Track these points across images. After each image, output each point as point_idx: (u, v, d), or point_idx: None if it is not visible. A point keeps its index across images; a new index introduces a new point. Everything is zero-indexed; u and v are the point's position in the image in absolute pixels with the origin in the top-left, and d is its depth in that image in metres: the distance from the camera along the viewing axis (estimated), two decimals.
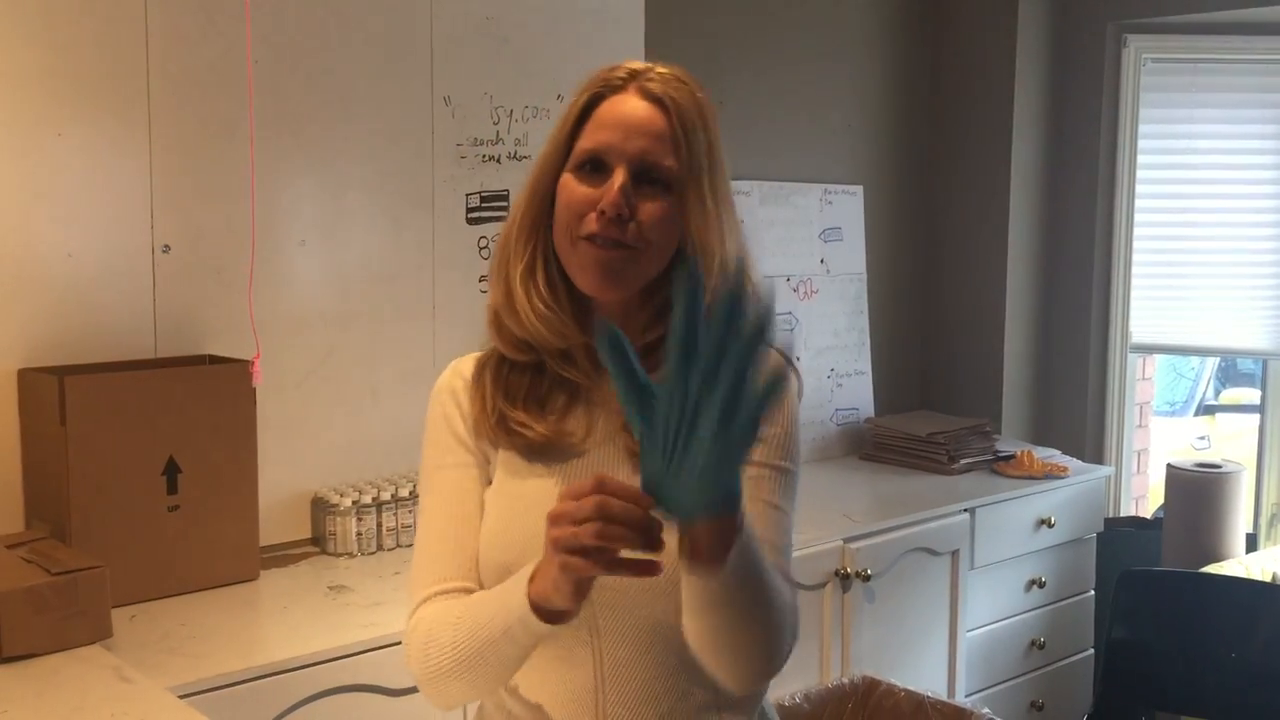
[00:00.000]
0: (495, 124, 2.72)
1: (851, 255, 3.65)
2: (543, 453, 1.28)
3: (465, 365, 1.38)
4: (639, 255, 1.24)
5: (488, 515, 1.30)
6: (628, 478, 1.16)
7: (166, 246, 2.27)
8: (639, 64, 1.29)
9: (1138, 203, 3.84)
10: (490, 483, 1.32)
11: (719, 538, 1.04)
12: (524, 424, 1.29)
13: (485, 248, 2.72)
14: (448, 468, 1.34)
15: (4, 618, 1.78)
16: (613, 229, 1.22)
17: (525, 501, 1.27)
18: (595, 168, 1.25)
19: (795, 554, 1.31)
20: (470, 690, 1.26)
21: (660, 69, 1.28)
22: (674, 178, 1.24)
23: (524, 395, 1.30)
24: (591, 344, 1.26)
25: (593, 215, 1.23)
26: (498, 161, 2.73)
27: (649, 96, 1.25)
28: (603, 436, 1.28)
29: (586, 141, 1.26)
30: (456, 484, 1.32)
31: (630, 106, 1.25)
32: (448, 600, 1.27)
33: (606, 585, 1.18)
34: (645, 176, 1.24)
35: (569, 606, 1.10)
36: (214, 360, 2.29)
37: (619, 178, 1.23)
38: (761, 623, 1.14)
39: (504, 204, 2.74)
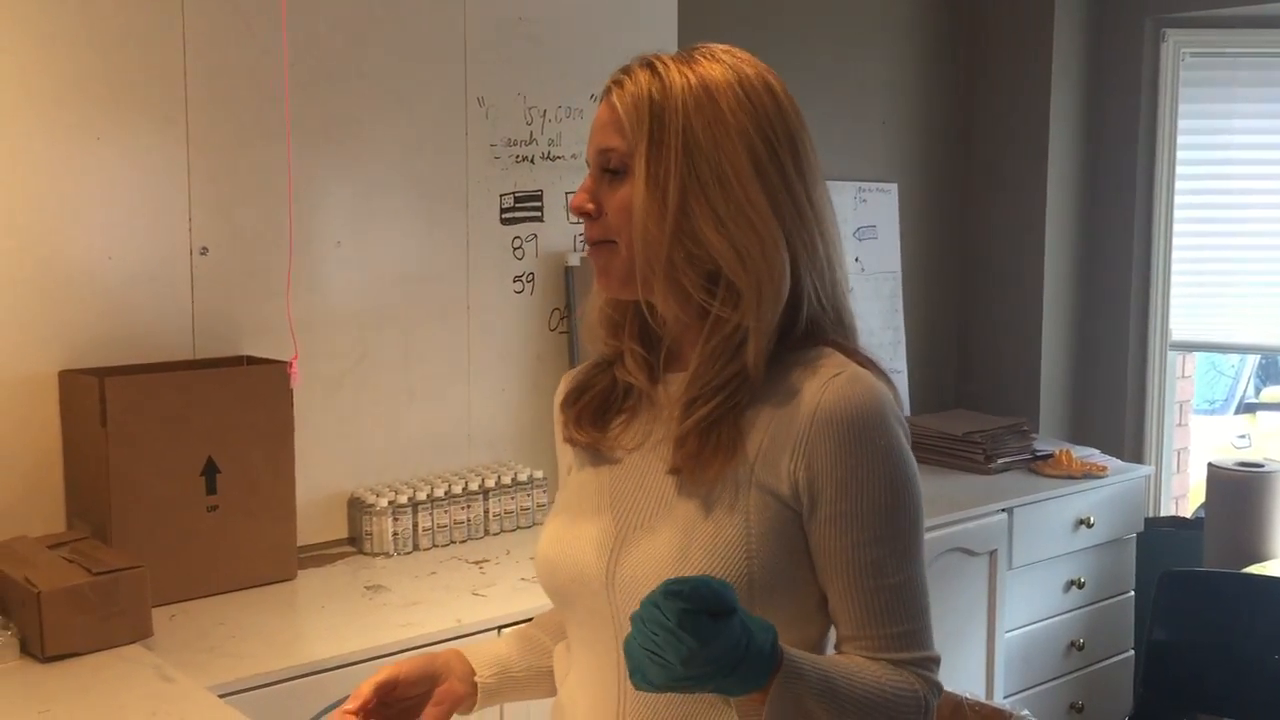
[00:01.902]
0: (528, 124, 2.72)
1: (886, 253, 3.63)
2: (591, 460, 1.31)
3: (573, 372, 1.41)
4: (615, 248, 1.23)
5: (551, 514, 1.36)
6: (665, 498, 1.22)
7: (204, 249, 2.29)
8: (632, 60, 1.26)
9: (1177, 199, 3.79)
10: None
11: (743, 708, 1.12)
12: (568, 426, 1.33)
13: (519, 248, 2.73)
14: (562, 478, 1.41)
15: (46, 617, 1.79)
16: (588, 229, 1.25)
17: (573, 504, 1.31)
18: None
19: None
20: None
21: (640, 59, 1.25)
22: (624, 158, 1.21)
23: (589, 398, 1.33)
24: (636, 350, 1.28)
25: None
26: (531, 162, 2.73)
27: (611, 89, 1.25)
28: (651, 447, 1.26)
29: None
30: (558, 503, 1.39)
31: (599, 110, 1.26)
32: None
33: (626, 583, 1.21)
34: (605, 167, 1.23)
35: None
36: (251, 361, 2.30)
37: (588, 176, 1.25)
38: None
39: (537, 204, 2.75)
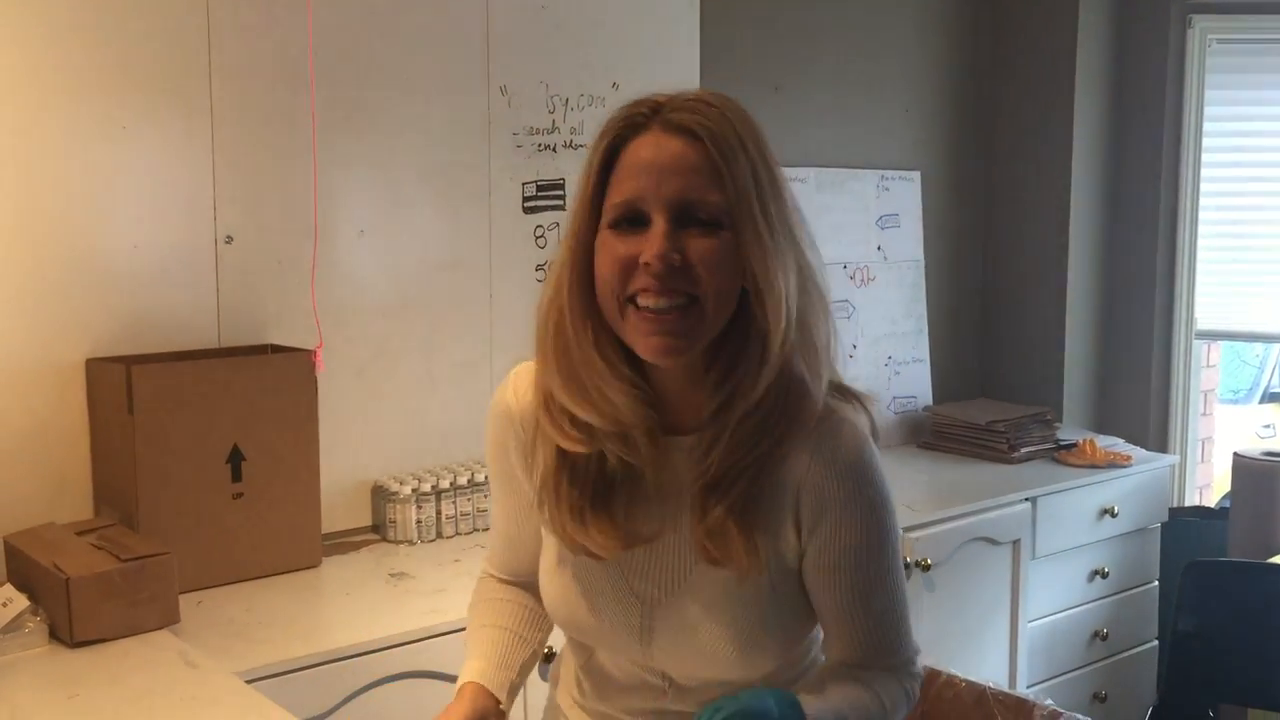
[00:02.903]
0: (551, 113, 2.72)
1: (909, 242, 3.62)
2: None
3: (523, 386, 1.30)
4: (700, 307, 1.12)
5: (547, 563, 1.31)
6: (693, 572, 1.22)
7: (229, 238, 2.30)
8: (661, 96, 1.17)
9: (1203, 186, 3.76)
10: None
11: None
12: (590, 539, 1.21)
13: (541, 236, 2.73)
14: (503, 499, 1.38)
15: (75, 603, 1.81)
16: (665, 282, 1.11)
17: (583, 574, 1.27)
18: (634, 221, 1.13)
19: None
20: None
21: (687, 95, 1.16)
22: (722, 212, 1.12)
23: (583, 503, 1.20)
24: (646, 425, 1.17)
25: (640, 272, 1.12)
26: (554, 150, 2.73)
27: (676, 129, 1.13)
28: (671, 526, 1.22)
29: (617, 194, 1.14)
30: (513, 512, 1.38)
31: (658, 145, 1.13)
32: (490, 585, 1.49)
33: (663, 655, 1.24)
34: (689, 218, 1.12)
35: None
36: (275, 350, 2.32)
37: (659, 225, 1.11)
38: None
39: (560, 193, 2.75)
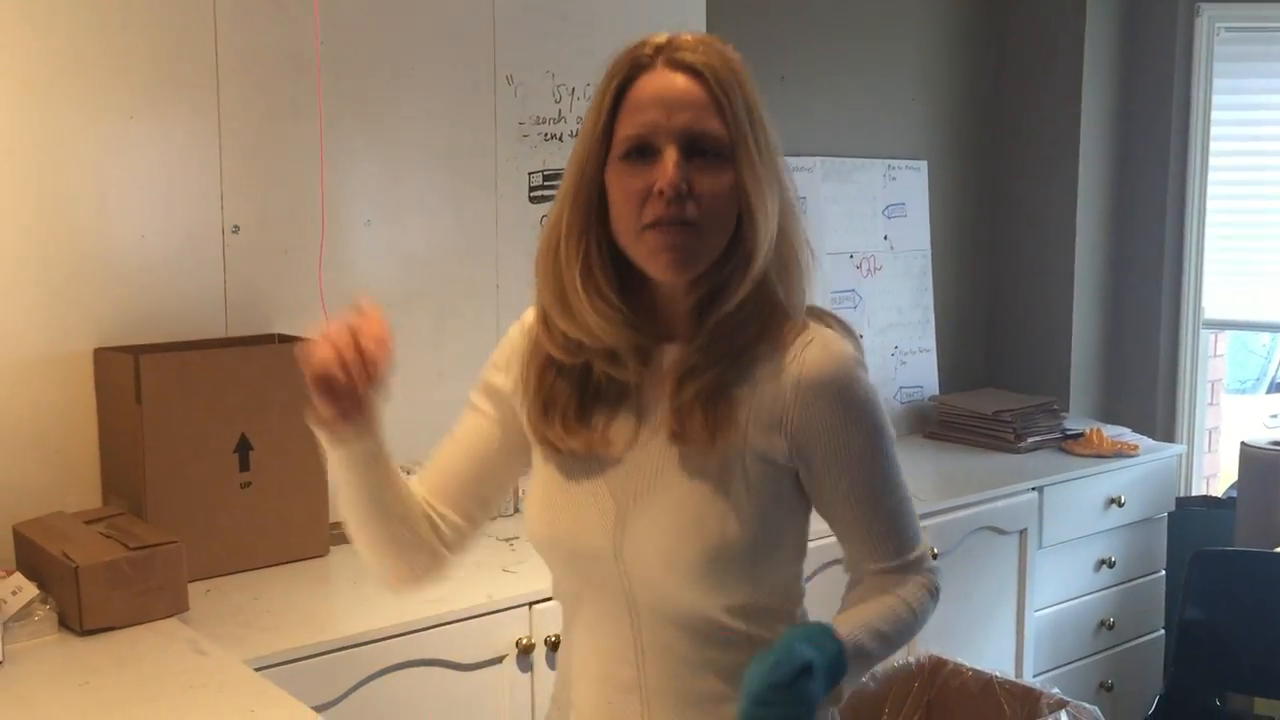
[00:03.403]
0: (557, 102, 2.71)
1: (915, 231, 3.61)
2: (583, 461, 1.29)
3: (530, 319, 1.37)
4: (704, 231, 1.22)
5: (533, 491, 1.35)
6: (667, 470, 1.26)
7: (236, 227, 2.30)
8: (662, 36, 1.25)
9: (1211, 175, 3.75)
10: (509, 430, 1.37)
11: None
12: (560, 439, 1.29)
13: None
14: (473, 407, 1.41)
15: (84, 591, 1.82)
16: (675, 209, 1.20)
17: (566, 490, 1.31)
18: (644, 152, 1.22)
19: None
20: (361, 547, 1.37)
21: (686, 36, 1.25)
22: (724, 144, 1.22)
23: (566, 405, 1.29)
24: (643, 344, 1.26)
25: (654, 200, 1.20)
26: (560, 140, 2.73)
27: (682, 67, 1.22)
28: (646, 437, 1.28)
29: (628, 127, 1.22)
30: (472, 425, 1.40)
31: (666, 81, 1.22)
32: None
33: (634, 554, 1.26)
34: (695, 149, 1.21)
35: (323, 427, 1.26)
36: (283, 339, 2.32)
37: (671, 155, 1.20)
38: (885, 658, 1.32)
39: None
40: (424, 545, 1.37)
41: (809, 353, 1.25)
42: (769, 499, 1.26)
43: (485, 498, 1.41)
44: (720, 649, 1.27)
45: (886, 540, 1.31)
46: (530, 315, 1.36)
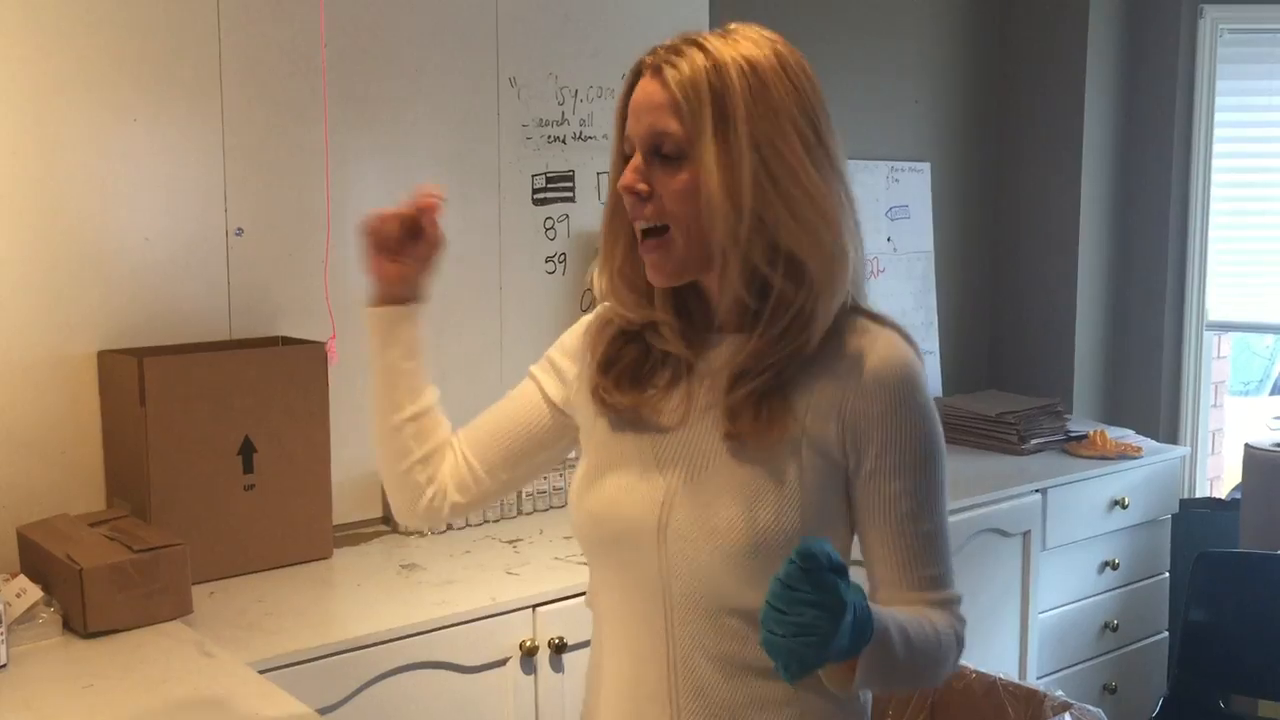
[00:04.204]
0: (560, 104, 2.72)
1: (919, 233, 3.61)
2: (631, 423, 1.31)
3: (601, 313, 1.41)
4: (668, 237, 1.23)
5: (583, 464, 1.36)
6: (717, 457, 1.26)
7: (240, 229, 2.31)
8: (665, 43, 1.26)
9: (1214, 177, 3.75)
10: (558, 411, 1.41)
11: (834, 679, 1.17)
12: (609, 391, 1.32)
13: (551, 228, 2.73)
14: (531, 377, 1.45)
15: (89, 594, 1.82)
16: (635, 211, 1.24)
17: (616, 463, 1.31)
18: (630, 158, 1.26)
19: None
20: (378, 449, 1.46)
21: (676, 39, 1.25)
22: (682, 144, 1.21)
23: (623, 366, 1.33)
24: (672, 322, 1.29)
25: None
26: (563, 142, 2.73)
27: (653, 70, 1.24)
28: (695, 419, 1.28)
29: (625, 134, 1.27)
30: (525, 391, 1.45)
31: (644, 88, 1.24)
32: None
33: (679, 536, 1.25)
34: (657, 151, 1.23)
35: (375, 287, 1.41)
36: (286, 342, 2.32)
37: (635, 159, 1.24)
38: (909, 683, 1.27)
39: (569, 185, 2.75)
40: (432, 466, 1.43)
41: (876, 348, 1.25)
42: (820, 494, 1.24)
43: (512, 460, 1.43)
44: (754, 653, 1.22)
45: (920, 566, 1.26)
46: (602, 310, 1.40)
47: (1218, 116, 3.73)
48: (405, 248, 1.40)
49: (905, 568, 1.26)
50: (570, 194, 2.75)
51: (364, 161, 2.45)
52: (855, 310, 1.29)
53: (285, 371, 2.22)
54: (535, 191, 2.70)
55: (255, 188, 2.32)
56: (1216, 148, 3.74)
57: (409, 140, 2.50)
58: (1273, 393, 6.71)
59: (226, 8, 2.25)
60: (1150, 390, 3.83)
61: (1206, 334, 3.84)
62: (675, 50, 1.24)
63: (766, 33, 1.29)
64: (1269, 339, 6.39)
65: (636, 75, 1.26)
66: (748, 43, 1.25)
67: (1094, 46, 3.68)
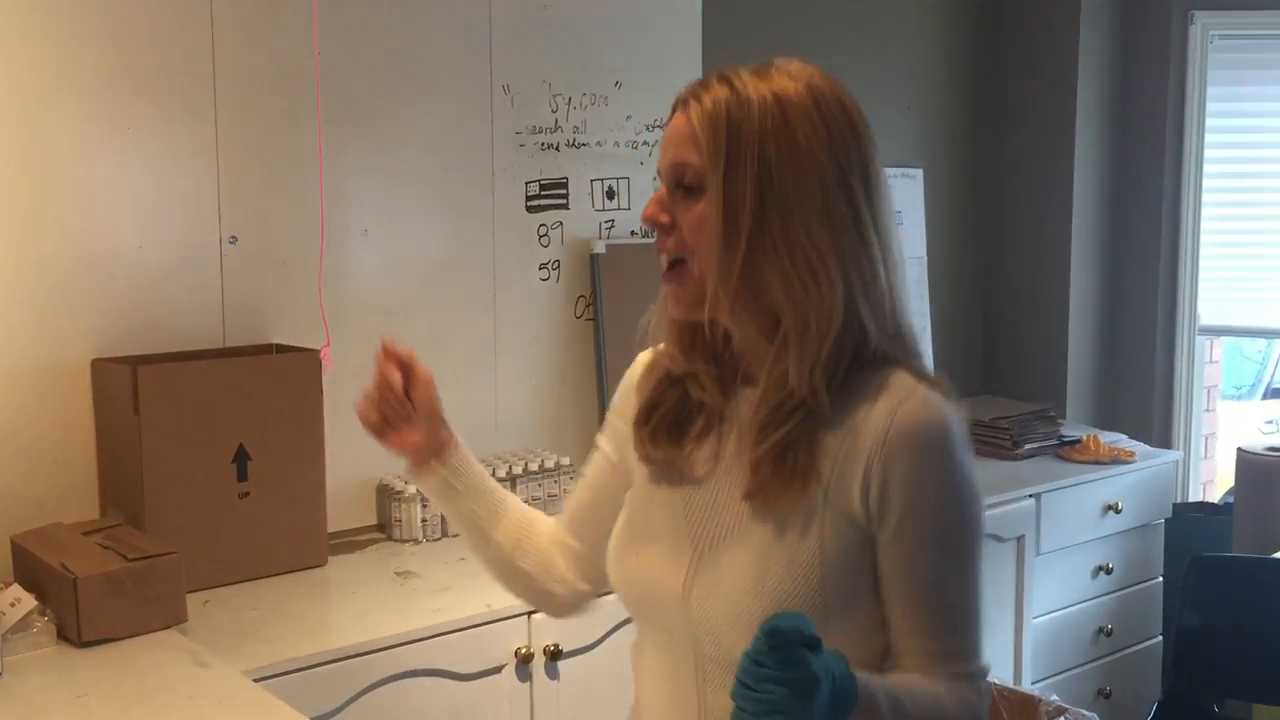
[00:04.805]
0: (554, 111, 2.72)
1: (911, 239, 3.62)
2: (664, 477, 1.30)
3: (649, 354, 1.39)
4: (686, 269, 1.22)
5: (623, 514, 1.35)
6: (738, 521, 1.23)
7: (234, 237, 2.30)
8: (710, 73, 1.25)
9: (1205, 182, 3.76)
10: (622, 471, 1.39)
11: None
12: (645, 443, 1.31)
13: (545, 235, 2.73)
14: (598, 443, 1.45)
15: (83, 602, 1.82)
16: (657, 243, 1.24)
17: (649, 523, 1.31)
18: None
19: None
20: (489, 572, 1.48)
21: (712, 74, 1.24)
22: (700, 175, 1.20)
23: (663, 413, 1.31)
24: (709, 371, 1.28)
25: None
26: (556, 149, 2.73)
27: (683, 105, 1.23)
28: (725, 466, 1.26)
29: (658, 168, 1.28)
30: (595, 462, 1.45)
31: (672, 121, 1.24)
32: None
33: (701, 605, 1.23)
34: (680, 183, 1.22)
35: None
36: (280, 349, 2.32)
37: (660, 190, 1.24)
38: None
39: (563, 191, 2.75)
40: (549, 572, 1.44)
41: (907, 406, 1.19)
42: (843, 558, 1.18)
43: (608, 530, 1.39)
44: None
45: (940, 637, 1.19)
46: (643, 357, 1.40)
47: (1209, 122, 3.74)
48: (405, 407, 1.41)
49: (925, 637, 1.20)
50: (564, 201, 2.75)
51: (357, 169, 2.45)
52: (897, 365, 1.23)
53: (279, 379, 2.21)
54: (529, 199, 2.70)
55: (249, 196, 2.32)
56: (1208, 153, 3.75)
57: (402, 148, 2.50)
58: (1265, 397, 6.73)
59: (220, 16, 2.25)
60: (1143, 395, 3.84)
61: (1199, 338, 3.85)
62: (704, 84, 1.23)
63: (809, 68, 1.25)
64: (1261, 343, 6.41)
65: (673, 112, 1.25)
66: (783, 77, 1.22)
67: (1085, 52, 3.69)
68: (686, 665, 1.27)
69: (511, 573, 1.45)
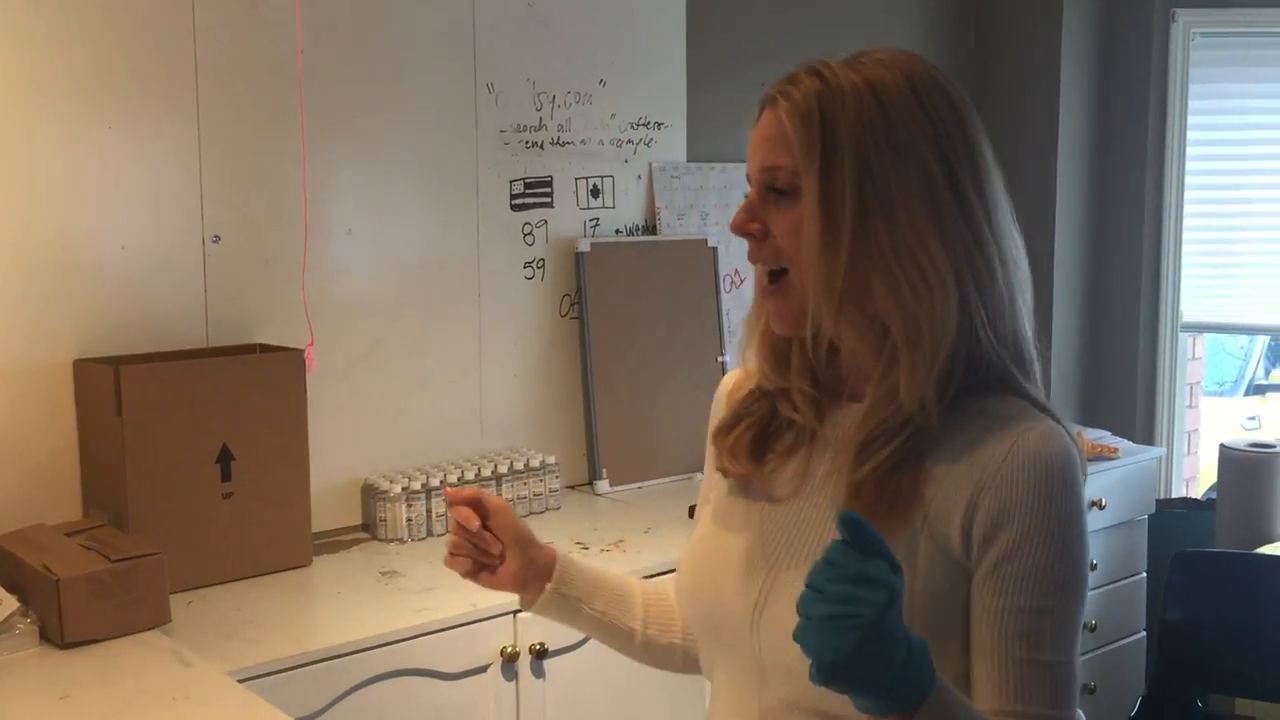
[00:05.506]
0: (538, 110, 2.72)
1: None
2: (744, 491, 1.22)
3: (738, 373, 1.33)
4: (787, 279, 1.13)
5: (699, 522, 1.30)
6: (818, 530, 1.14)
7: (217, 237, 2.30)
8: (799, 67, 1.15)
9: (1188, 180, 3.78)
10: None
11: None
12: (725, 454, 1.24)
13: (529, 234, 2.73)
14: (704, 501, 1.33)
15: (65, 604, 1.81)
16: (751, 253, 1.15)
17: (723, 536, 1.23)
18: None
19: None
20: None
21: (807, 66, 1.14)
22: (794, 178, 1.11)
23: (747, 428, 1.23)
24: (806, 389, 1.19)
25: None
26: (541, 148, 2.73)
27: (769, 104, 1.14)
28: (815, 486, 1.17)
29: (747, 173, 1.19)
30: (701, 515, 1.32)
31: (759, 123, 1.15)
32: None
33: (772, 628, 1.14)
34: (772, 187, 1.13)
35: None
36: (264, 349, 2.31)
37: (750, 196, 1.15)
38: None
39: (547, 190, 2.75)
40: (673, 646, 1.36)
41: (1027, 438, 1.08)
42: (934, 594, 1.07)
43: None
44: None
45: (1025, 700, 1.05)
46: (730, 378, 1.33)
47: (1191, 119, 3.75)
48: (491, 542, 1.32)
49: (1011, 700, 1.05)
50: (549, 199, 2.75)
51: (341, 167, 2.45)
52: (1015, 392, 1.13)
53: (263, 379, 2.21)
54: (513, 197, 2.70)
55: (232, 194, 2.31)
56: (1190, 150, 3.76)
57: (386, 146, 2.50)
58: (1247, 393, 6.76)
59: (203, 15, 2.24)
60: (1126, 391, 3.86)
61: (1181, 335, 3.87)
62: (792, 79, 1.14)
63: (905, 53, 1.16)
64: (1243, 340, 6.44)
65: (760, 111, 1.16)
66: (876, 65, 1.13)
67: (1068, 50, 3.71)
68: (749, 695, 1.18)
69: (662, 655, 1.37)
